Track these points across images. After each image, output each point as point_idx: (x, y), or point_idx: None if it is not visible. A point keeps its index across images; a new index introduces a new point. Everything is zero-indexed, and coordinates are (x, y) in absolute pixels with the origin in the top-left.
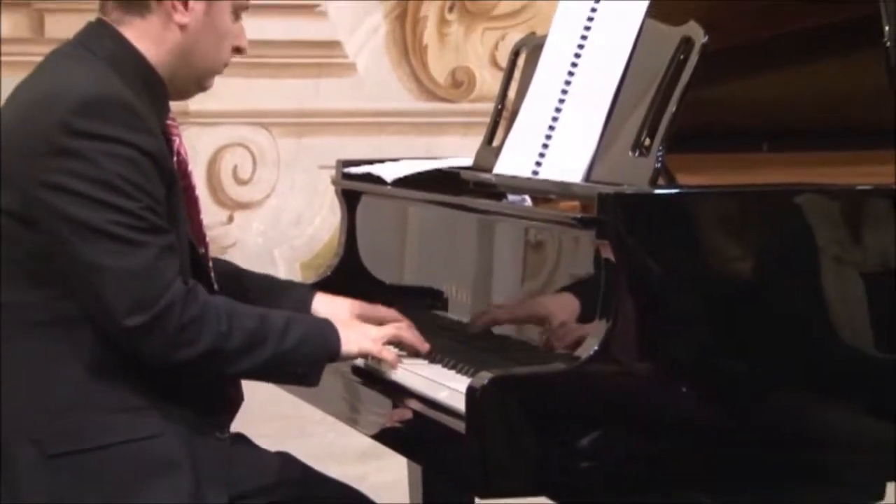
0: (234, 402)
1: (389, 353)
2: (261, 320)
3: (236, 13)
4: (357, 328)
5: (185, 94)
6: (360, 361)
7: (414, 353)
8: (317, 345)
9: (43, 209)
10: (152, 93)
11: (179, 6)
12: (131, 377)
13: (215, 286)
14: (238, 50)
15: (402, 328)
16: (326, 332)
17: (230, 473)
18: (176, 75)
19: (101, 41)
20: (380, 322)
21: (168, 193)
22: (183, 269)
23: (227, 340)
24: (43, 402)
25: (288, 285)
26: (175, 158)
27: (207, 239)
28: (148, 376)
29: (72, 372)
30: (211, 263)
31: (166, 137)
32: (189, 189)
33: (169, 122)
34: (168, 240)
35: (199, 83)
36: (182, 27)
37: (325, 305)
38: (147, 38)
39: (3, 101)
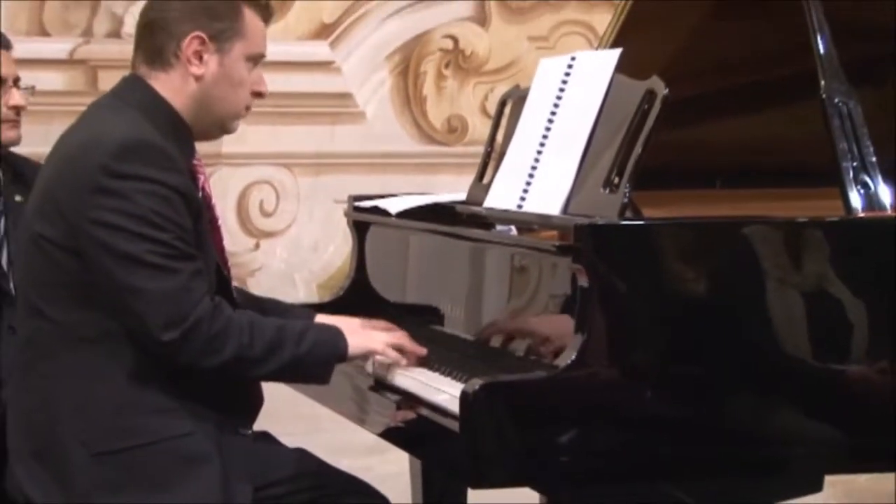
0: (255, 403)
1: (393, 353)
2: (278, 330)
3: (252, 62)
4: (362, 333)
5: (209, 137)
6: (368, 368)
7: (413, 359)
8: (327, 349)
9: (88, 241)
10: (179, 136)
11: (195, 60)
12: (165, 383)
13: (237, 301)
14: (258, 94)
15: (402, 336)
16: (335, 337)
17: (254, 466)
18: (198, 120)
19: (133, 92)
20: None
21: (195, 224)
22: (210, 289)
23: (248, 349)
24: (89, 407)
25: (291, 307)
26: (200, 193)
27: (230, 262)
28: (179, 382)
29: (113, 380)
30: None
31: (193, 175)
32: (213, 220)
33: (195, 161)
34: (196, 265)
35: (221, 126)
36: (198, 78)
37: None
38: (171, 88)
39: (44, 147)
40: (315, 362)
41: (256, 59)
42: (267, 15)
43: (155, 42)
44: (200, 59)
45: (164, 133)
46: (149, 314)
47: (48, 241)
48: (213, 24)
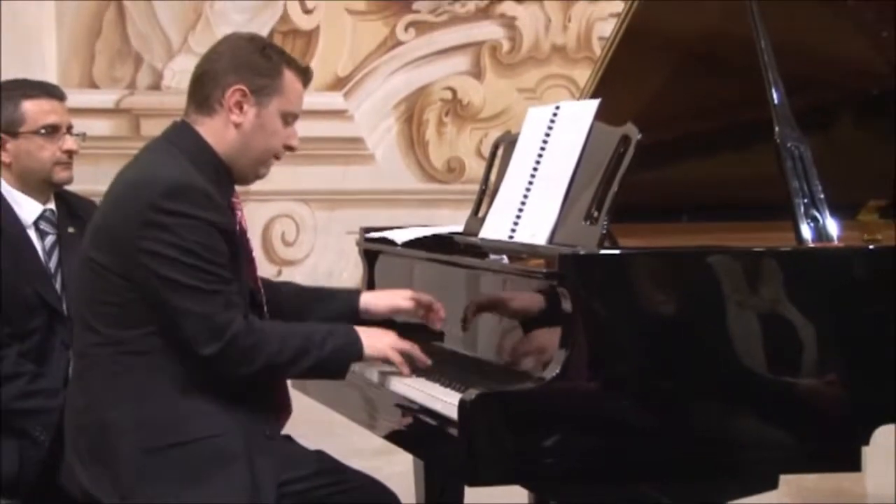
0: (283, 410)
1: (398, 357)
2: (304, 338)
3: (285, 119)
4: (377, 336)
5: (244, 180)
6: (373, 377)
7: (421, 365)
8: (346, 351)
9: (138, 268)
10: (220, 177)
11: (236, 109)
12: (203, 390)
13: (266, 315)
14: (289, 148)
15: (412, 346)
16: (354, 340)
17: (279, 465)
18: (236, 163)
19: (182, 137)
20: (420, 304)
21: (232, 254)
22: (244, 309)
23: (277, 357)
24: (136, 410)
25: (338, 292)
26: (237, 227)
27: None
28: (216, 390)
29: (157, 388)
30: (264, 298)
31: (231, 212)
32: (247, 251)
33: (234, 199)
34: (233, 288)
35: (254, 171)
36: (237, 126)
37: (373, 297)
38: (214, 133)
39: (92, 186)
40: (335, 363)
41: (291, 117)
42: (306, 78)
43: (203, 90)
44: (241, 108)
45: (207, 174)
46: (192, 331)
47: (101, 267)
48: (255, 79)
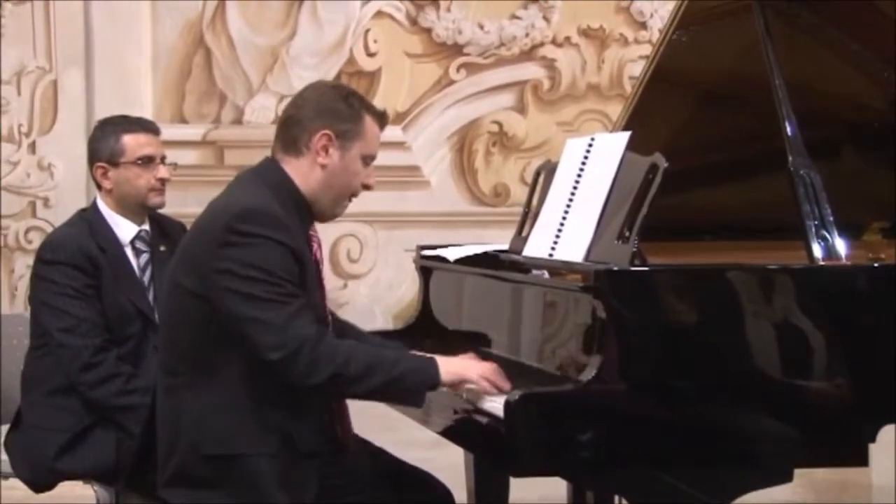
0: (338, 444)
1: (485, 383)
2: (374, 357)
3: (365, 161)
4: (457, 363)
5: (324, 217)
6: (463, 395)
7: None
8: (419, 375)
9: (213, 286)
10: (300, 211)
11: (322, 152)
12: (264, 410)
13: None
14: (367, 187)
15: (494, 369)
16: (428, 366)
17: (334, 483)
18: (318, 201)
19: (269, 172)
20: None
21: (300, 272)
22: (315, 320)
23: (345, 369)
24: (203, 418)
25: (384, 343)
26: (312, 258)
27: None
28: (277, 411)
29: (223, 401)
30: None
31: (308, 244)
32: (319, 280)
33: (311, 232)
34: (300, 301)
35: (334, 209)
36: (323, 167)
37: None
38: (299, 172)
39: (182, 209)
40: (407, 386)
41: (370, 158)
42: (383, 122)
43: (291, 133)
44: (327, 151)
45: (287, 208)
46: (259, 337)
47: (183, 288)
48: (339, 124)
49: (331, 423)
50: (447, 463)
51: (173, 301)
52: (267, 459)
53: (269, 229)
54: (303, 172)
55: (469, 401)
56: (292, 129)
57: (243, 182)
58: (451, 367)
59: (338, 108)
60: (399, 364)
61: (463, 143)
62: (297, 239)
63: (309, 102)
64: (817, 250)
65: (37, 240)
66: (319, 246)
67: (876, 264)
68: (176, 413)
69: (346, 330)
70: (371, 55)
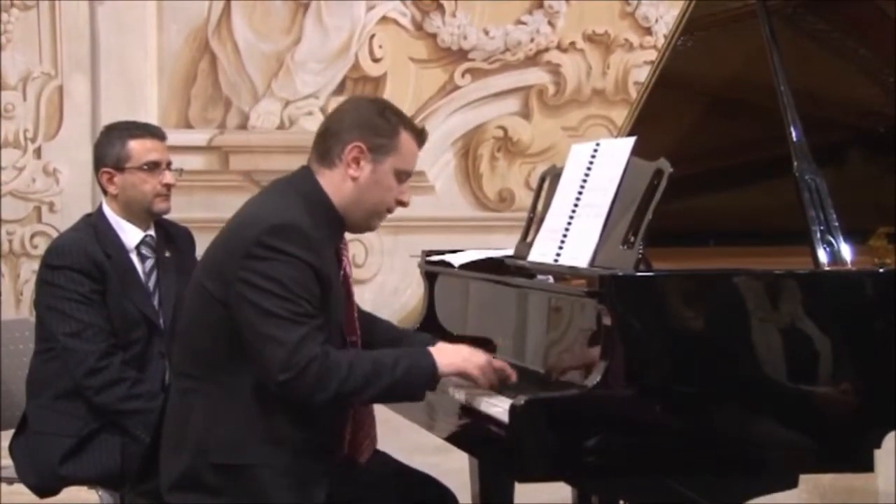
0: (346, 461)
1: (478, 372)
2: (374, 363)
3: (399, 177)
4: (451, 352)
5: (356, 229)
6: (457, 395)
7: (510, 380)
8: (419, 372)
9: (234, 295)
10: (331, 224)
11: (353, 164)
12: (274, 420)
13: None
14: (401, 203)
15: (489, 359)
16: (425, 361)
17: (343, 492)
18: (350, 214)
19: (302, 182)
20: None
21: (324, 294)
22: (325, 341)
23: (348, 382)
24: (213, 426)
25: (415, 335)
26: (342, 272)
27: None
28: (286, 421)
29: (233, 409)
30: (360, 340)
31: (338, 257)
32: (349, 294)
33: (341, 246)
34: (317, 322)
35: (367, 223)
36: (354, 179)
37: (443, 356)
38: (332, 184)
39: (187, 214)
40: (410, 384)
41: (405, 174)
42: (421, 139)
43: (325, 144)
44: (358, 164)
45: (318, 220)
46: (269, 356)
47: (206, 291)
48: (374, 138)
49: (352, 434)
50: (452, 468)
51: (195, 303)
52: (275, 471)
53: (295, 247)
54: (335, 184)
55: (439, 390)
56: (328, 140)
57: (277, 193)
58: (448, 357)
59: (374, 122)
60: (399, 364)
61: (468, 148)
62: (324, 257)
63: (346, 115)
64: (823, 256)
65: (42, 245)
66: (349, 259)
67: (881, 269)
68: (186, 414)
69: (374, 328)
70: (376, 60)
